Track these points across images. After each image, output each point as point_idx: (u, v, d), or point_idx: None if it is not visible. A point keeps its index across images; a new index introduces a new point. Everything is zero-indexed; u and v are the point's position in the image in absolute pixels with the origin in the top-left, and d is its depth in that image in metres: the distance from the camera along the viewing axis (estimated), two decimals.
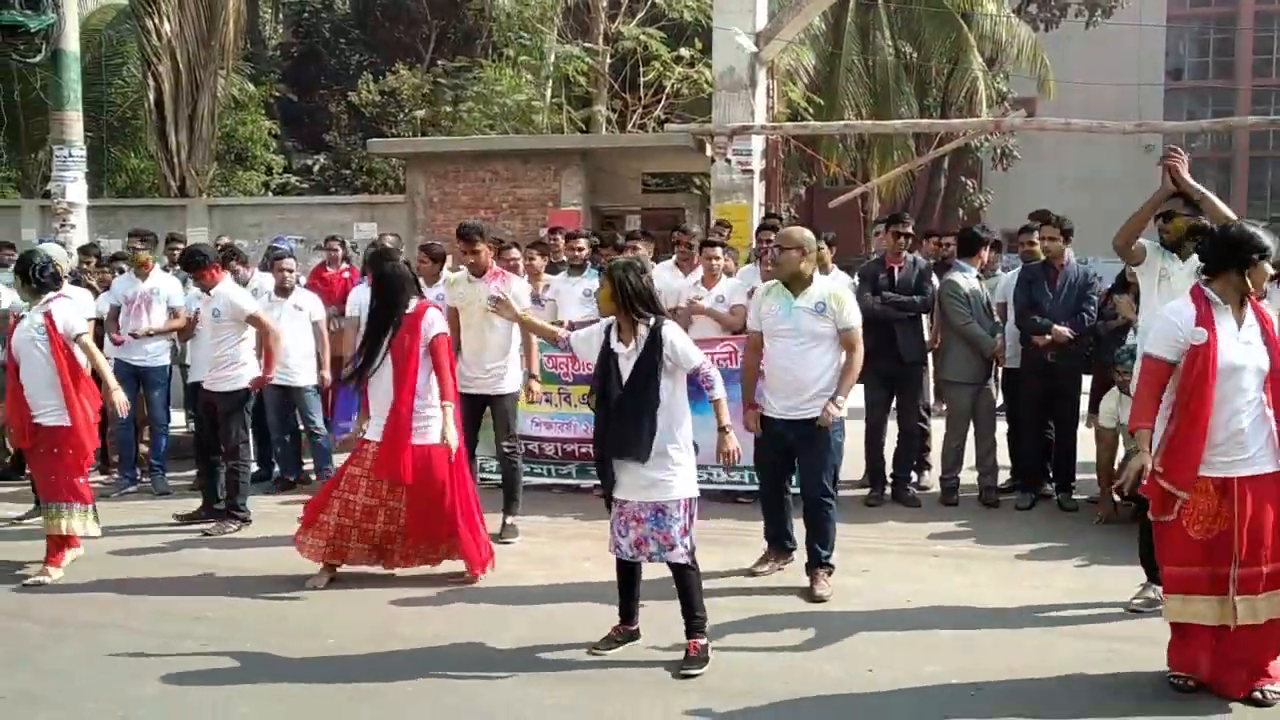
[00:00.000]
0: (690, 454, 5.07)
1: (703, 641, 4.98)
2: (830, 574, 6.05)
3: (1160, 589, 5.45)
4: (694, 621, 5.01)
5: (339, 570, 6.24)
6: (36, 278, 6.48)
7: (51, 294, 6.50)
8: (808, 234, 6.04)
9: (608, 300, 5.04)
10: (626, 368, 4.98)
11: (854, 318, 5.96)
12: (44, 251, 6.94)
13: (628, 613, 5.22)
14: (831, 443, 5.98)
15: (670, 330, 5.02)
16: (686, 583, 5.01)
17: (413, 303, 6.12)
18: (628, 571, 5.17)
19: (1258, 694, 4.47)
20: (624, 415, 4.93)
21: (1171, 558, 4.55)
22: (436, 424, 6.10)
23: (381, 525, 6.12)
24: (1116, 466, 7.38)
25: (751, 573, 6.25)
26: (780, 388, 5.99)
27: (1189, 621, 4.53)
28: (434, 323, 6.12)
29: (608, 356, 5.05)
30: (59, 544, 6.44)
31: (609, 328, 5.11)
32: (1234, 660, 4.52)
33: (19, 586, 6.23)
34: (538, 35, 19.75)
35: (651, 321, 4.99)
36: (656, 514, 4.95)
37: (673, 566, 5.01)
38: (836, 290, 6.03)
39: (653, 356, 4.93)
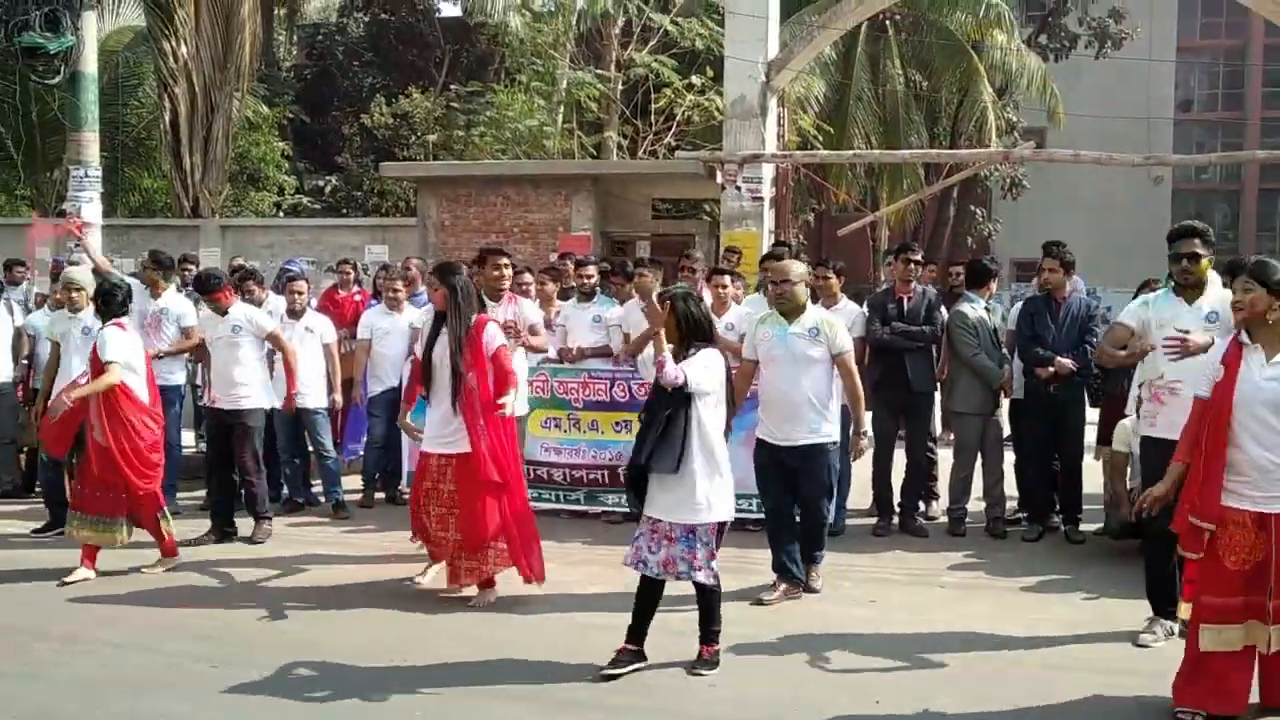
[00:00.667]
0: (725, 479, 5.21)
1: (716, 647, 5.21)
2: (818, 567, 6.54)
3: (1168, 623, 5.55)
4: (711, 632, 5.22)
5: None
6: (102, 305, 6.88)
7: (112, 320, 6.81)
8: (800, 266, 6.59)
9: (671, 330, 5.17)
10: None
11: (847, 341, 6.36)
12: (115, 276, 7.53)
13: (638, 633, 5.24)
14: (830, 469, 6.38)
15: (704, 353, 5.16)
16: (709, 600, 5.21)
17: (473, 317, 6.27)
18: (649, 591, 5.24)
19: None
20: (663, 430, 5.07)
21: (1209, 588, 4.57)
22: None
23: (452, 534, 6.27)
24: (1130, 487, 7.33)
25: (760, 601, 6.26)
26: (777, 411, 6.30)
27: (1217, 650, 4.53)
28: (495, 336, 6.28)
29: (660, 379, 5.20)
30: (164, 548, 6.96)
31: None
32: (1269, 674, 4.58)
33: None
34: (550, 61, 19.88)
35: (695, 346, 5.17)
36: (688, 535, 5.11)
37: (697, 585, 5.16)
38: (828, 316, 6.49)
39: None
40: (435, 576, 6.56)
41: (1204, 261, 5.63)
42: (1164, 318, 5.66)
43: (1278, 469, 4.45)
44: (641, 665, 5.20)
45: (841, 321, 6.58)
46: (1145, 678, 5.03)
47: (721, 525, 5.23)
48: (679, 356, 5.16)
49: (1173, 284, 5.87)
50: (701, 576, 5.12)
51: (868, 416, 7.47)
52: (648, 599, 5.24)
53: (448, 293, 6.23)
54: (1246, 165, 37.65)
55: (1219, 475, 4.50)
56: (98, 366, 6.68)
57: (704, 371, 5.13)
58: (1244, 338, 4.61)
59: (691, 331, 5.19)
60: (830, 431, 6.32)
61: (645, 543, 5.17)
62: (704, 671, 5.12)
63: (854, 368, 6.39)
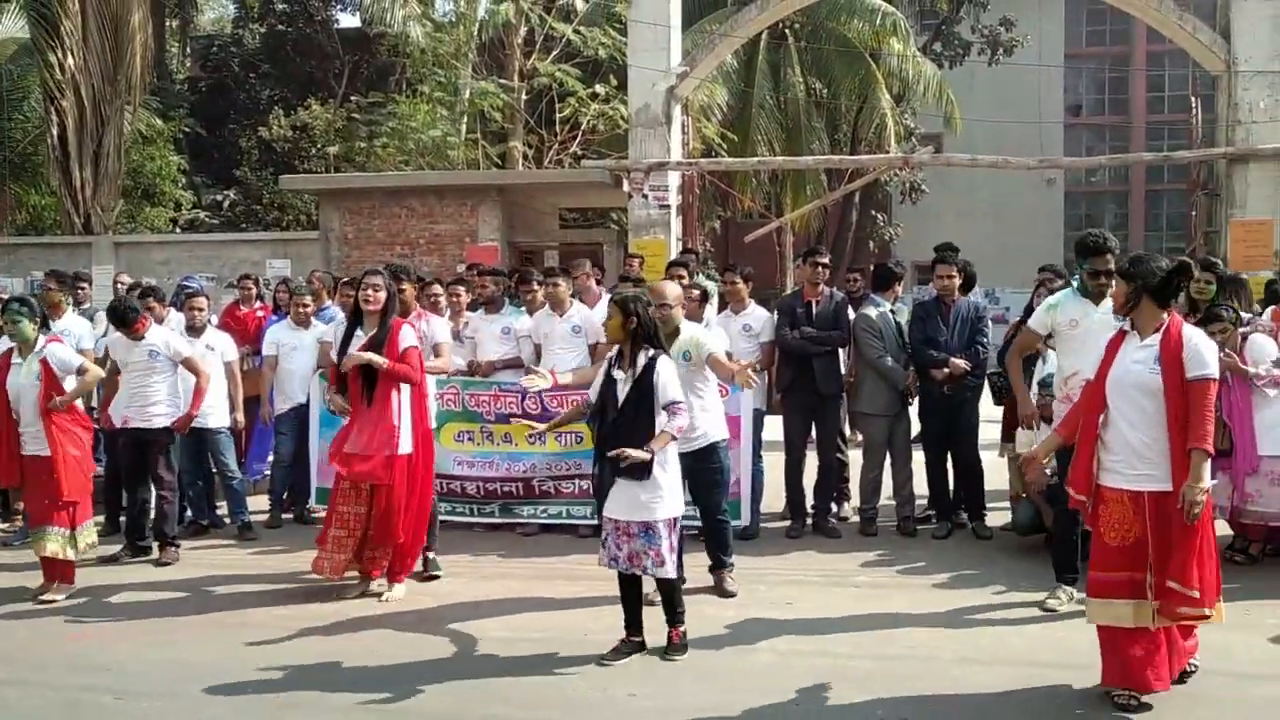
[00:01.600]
0: (675, 477, 5.45)
1: (683, 628, 5.49)
2: (731, 571, 6.61)
3: (1070, 589, 5.99)
4: (675, 616, 5.48)
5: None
6: (42, 321, 6.97)
7: (48, 337, 6.87)
8: (675, 287, 6.72)
9: (618, 330, 5.40)
10: (623, 393, 5.35)
11: (712, 345, 6.47)
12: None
13: (632, 624, 5.48)
14: (724, 468, 6.49)
15: (663, 363, 5.38)
16: (671, 592, 5.46)
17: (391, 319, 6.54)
18: (627, 585, 5.46)
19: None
20: (619, 437, 5.27)
21: (1094, 563, 4.84)
22: (408, 435, 6.48)
23: (361, 531, 6.50)
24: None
25: None
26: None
27: (1108, 624, 4.71)
28: (407, 336, 6.51)
29: (608, 383, 5.44)
30: (49, 564, 6.74)
31: (612, 358, 5.52)
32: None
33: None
34: (452, 71, 19.71)
35: (651, 353, 5.37)
36: (646, 531, 5.30)
37: (660, 580, 5.37)
38: (695, 335, 6.51)
39: (648, 384, 5.30)
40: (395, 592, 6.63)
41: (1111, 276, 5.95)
42: (1075, 317, 6.08)
43: (1146, 449, 4.66)
44: (641, 653, 5.44)
45: (706, 334, 6.69)
46: (1056, 669, 5.15)
47: (676, 521, 5.42)
48: (631, 357, 5.37)
49: (1078, 285, 6.20)
50: (664, 572, 5.33)
51: (777, 420, 7.84)
52: (629, 591, 5.47)
53: (392, 292, 6.52)
54: (1134, 167, 38.86)
55: (1085, 449, 4.80)
56: (51, 379, 6.63)
57: (677, 384, 5.38)
58: (1126, 325, 4.87)
59: (646, 337, 5.39)
60: (719, 431, 6.48)
61: (612, 542, 5.38)
62: (677, 656, 5.38)
63: (721, 357, 6.45)
